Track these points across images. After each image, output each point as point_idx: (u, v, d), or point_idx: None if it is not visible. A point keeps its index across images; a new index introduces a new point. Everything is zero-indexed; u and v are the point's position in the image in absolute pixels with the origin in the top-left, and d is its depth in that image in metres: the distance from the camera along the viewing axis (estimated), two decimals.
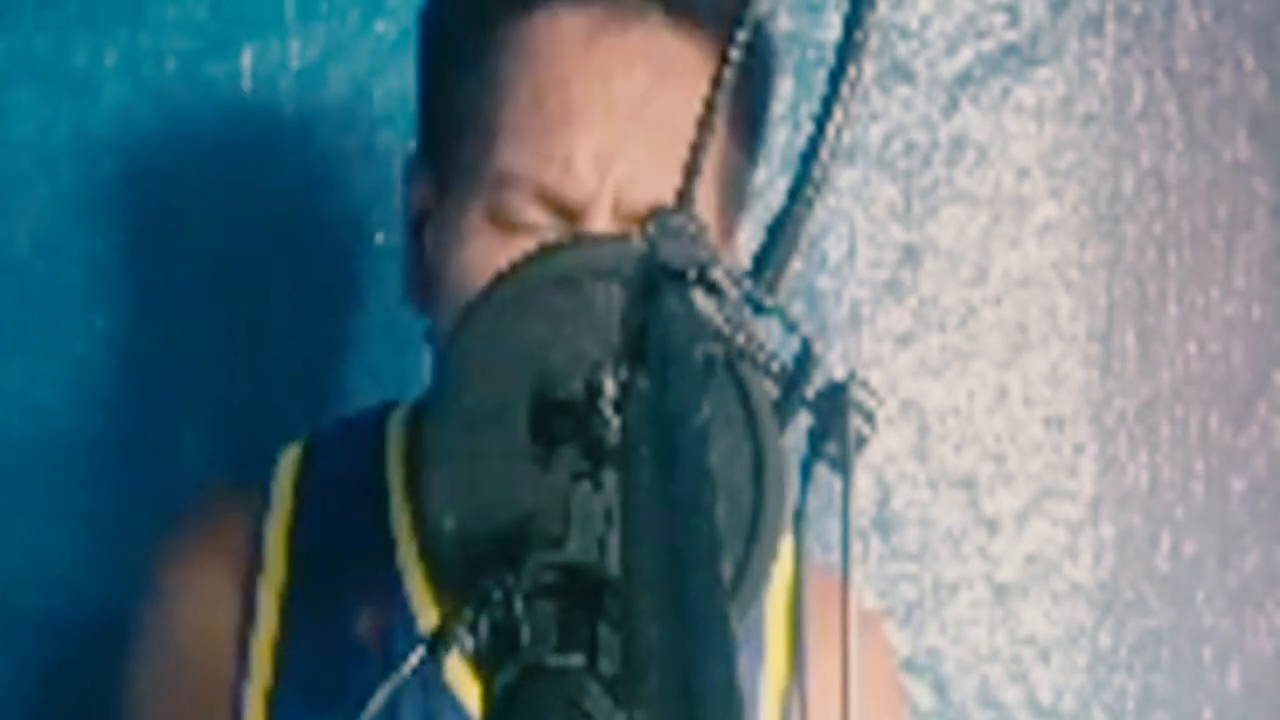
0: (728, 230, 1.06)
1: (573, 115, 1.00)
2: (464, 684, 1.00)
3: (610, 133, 0.99)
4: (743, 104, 1.05)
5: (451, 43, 1.05)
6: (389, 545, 1.04)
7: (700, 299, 0.67)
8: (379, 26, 1.37)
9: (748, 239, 1.07)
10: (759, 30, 1.05)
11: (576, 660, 0.63)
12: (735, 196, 1.06)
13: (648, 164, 1.00)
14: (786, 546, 0.74)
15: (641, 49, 1.01)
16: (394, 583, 1.03)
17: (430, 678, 0.98)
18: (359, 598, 1.03)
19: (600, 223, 0.99)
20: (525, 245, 0.98)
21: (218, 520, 1.09)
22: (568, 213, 1.00)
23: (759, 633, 1.06)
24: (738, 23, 0.69)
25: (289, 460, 1.08)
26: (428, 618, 1.01)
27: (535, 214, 1.00)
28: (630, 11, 1.01)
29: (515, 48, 1.01)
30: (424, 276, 1.06)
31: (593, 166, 0.99)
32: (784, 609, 1.06)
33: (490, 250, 0.99)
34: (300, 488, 1.06)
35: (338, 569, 1.05)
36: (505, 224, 1.00)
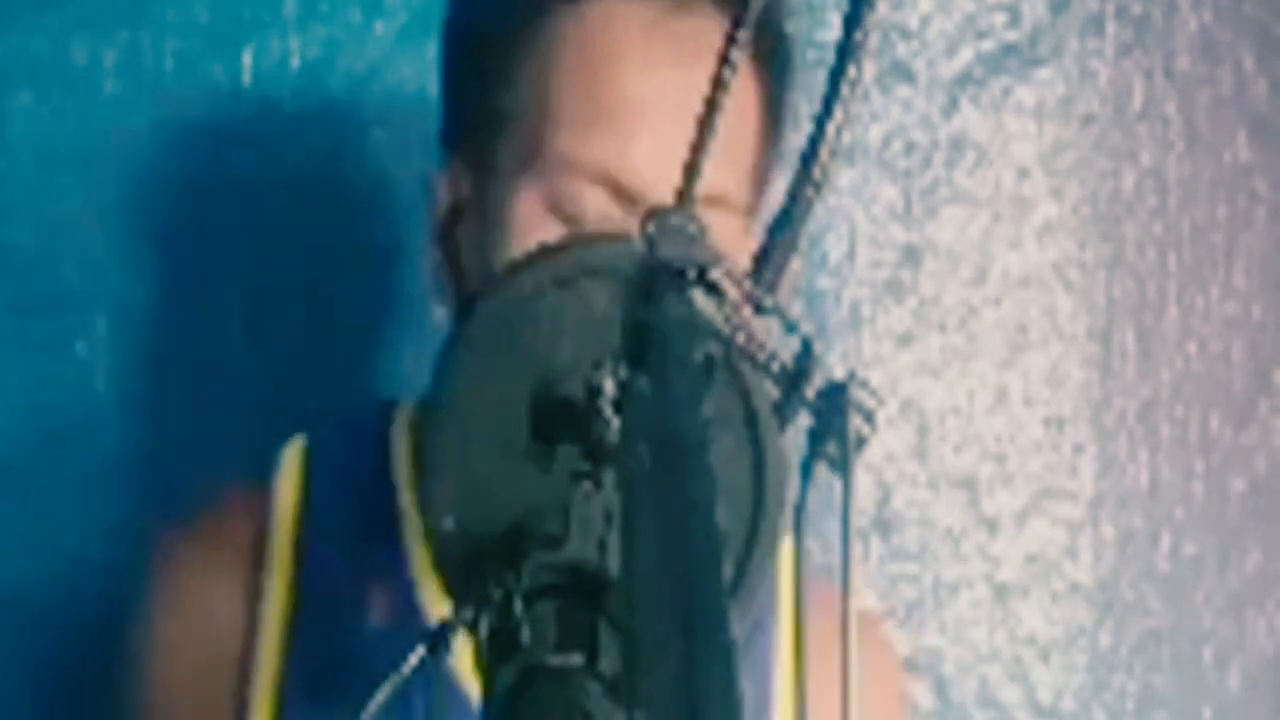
0: (753, 217, 1.06)
1: (632, 103, 1.01)
2: (472, 677, 1.00)
3: (669, 120, 1.00)
4: (773, 90, 1.07)
5: (491, 33, 1.05)
6: (396, 547, 1.04)
7: (700, 299, 0.67)
8: (379, 26, 1.37)
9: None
10: (773, 17, 1.06)
11: (576, 660, 0.63)
12: (765, 183, 1.08)
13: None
14: (787, 546, 0.74)
15: (693, 39, 1.02)
16: (403, 584, 1.03)
17: (435, 671, 0.98)
18: (367, 597, 1.03)
19: None
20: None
21: (221, 522, 1.08)
22: (627, 198, 1.00)
23: (769, 629, 1.05)
24: (738, 23, 0.69)
25: (290, 461, 1.07)
26: (437, 617, 1.01)
27: (594, 201, 1.00)
28: (682, 3, 1.03)
29: (570, 37, 1.02)
30: (459, 270, 1.06)
31: (653, 152, 1.00)
32: (792, 608, 1.05)
33: (547, 239, 1.00)
34: (304, 489, 1.06)
35: (345, 570, 1.04)
36: (562, 212, 1.00)
